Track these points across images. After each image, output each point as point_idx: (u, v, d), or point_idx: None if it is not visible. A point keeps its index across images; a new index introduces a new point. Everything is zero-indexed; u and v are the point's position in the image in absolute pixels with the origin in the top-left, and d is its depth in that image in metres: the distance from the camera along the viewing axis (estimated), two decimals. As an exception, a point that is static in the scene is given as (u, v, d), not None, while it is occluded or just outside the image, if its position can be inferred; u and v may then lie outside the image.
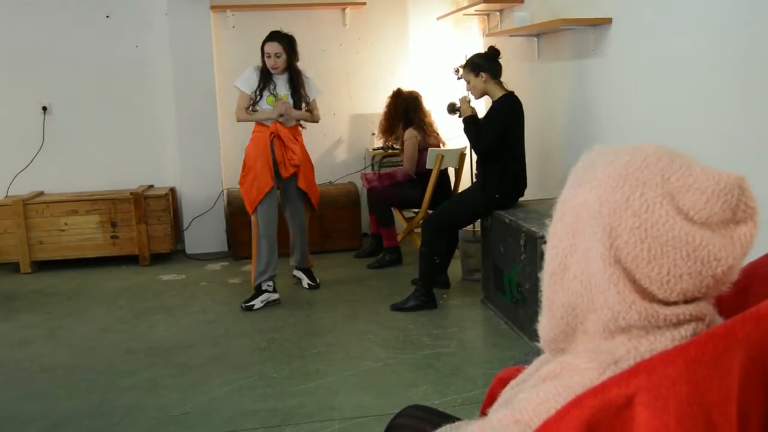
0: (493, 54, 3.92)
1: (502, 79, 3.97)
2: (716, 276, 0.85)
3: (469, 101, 4.03)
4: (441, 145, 5.06)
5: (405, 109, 4.99)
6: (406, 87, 5.20)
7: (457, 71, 4.53)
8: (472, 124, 3.91)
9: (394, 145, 5.41)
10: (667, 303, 0.87)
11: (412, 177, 4.96)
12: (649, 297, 0.87)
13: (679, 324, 0.87)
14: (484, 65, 3.88)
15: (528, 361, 1.14)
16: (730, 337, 0.80)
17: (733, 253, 0.84)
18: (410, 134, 4.92)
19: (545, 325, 0.98)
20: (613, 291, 0.86)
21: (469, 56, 4.02)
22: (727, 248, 0.84)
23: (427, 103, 5.16)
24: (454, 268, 4.63)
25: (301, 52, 4.28)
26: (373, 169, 5.79)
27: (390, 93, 5.15)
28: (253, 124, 4.29)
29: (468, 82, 3.96)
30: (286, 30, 4.26)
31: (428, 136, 4.96)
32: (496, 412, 0.94)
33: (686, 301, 0.87)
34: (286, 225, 4.54)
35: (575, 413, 0.79)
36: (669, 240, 0.83)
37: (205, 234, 5.58)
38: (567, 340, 0.96)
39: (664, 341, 0.87)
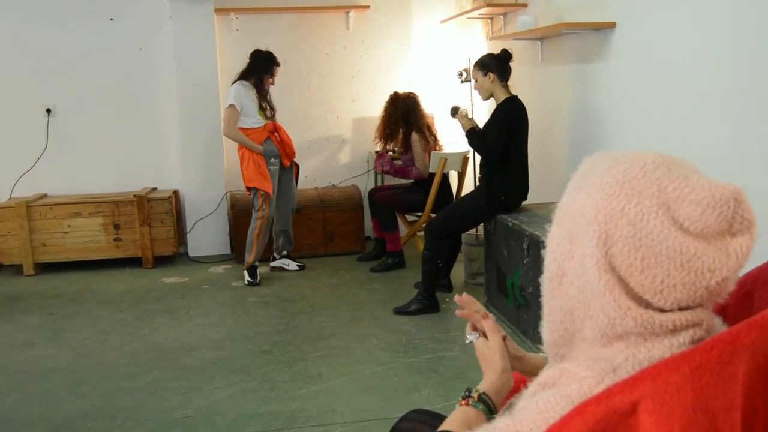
0: (504, 56, 3.92)
1: (509, 83, 3.97)
2: (710, 287, 0.85)
3: (466, 115, 4.02)
4: (438, 148, 5.03)
5: (404, 112, 4.94)
6: (402, 90, 5.12)
7: (460, 74, 4.54)
8: (474, 136, 3.92)
9: (395, 148, 5.34)
10: (662, 310, 0.86)
11: (424, 177, 4.89)
12: (644, 304, 0.87)
13: (675, 330, 0.87)
14: (492, 65, 3.89)
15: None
16: (736, 344, 0.80)
17: (728, 265, 0.84)
18: (416, 137, 4.89)
19: (546, 328, 0.99)
20: (609, 297, 0.87)
21: (473, 60, 4.01)
22: (722, 260, 0.84)
23: (430, 107, 5.11)
24: (457, 272, 4.63)
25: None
26: (376, 173, 5.78)
27: (387, 98, 5.08)
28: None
29: (476, 80, 3.96)
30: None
31: (429, 141, 4.93)
32: (499, 420, 0.94)
33: (682, 309, 0.87)
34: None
35: (579, 420, 0.79)
36: (663, 250, 0.84)
37: (208, 236, 5.58)
38: (567, 346, 0.97)
39: (662, 348, 0.87)
